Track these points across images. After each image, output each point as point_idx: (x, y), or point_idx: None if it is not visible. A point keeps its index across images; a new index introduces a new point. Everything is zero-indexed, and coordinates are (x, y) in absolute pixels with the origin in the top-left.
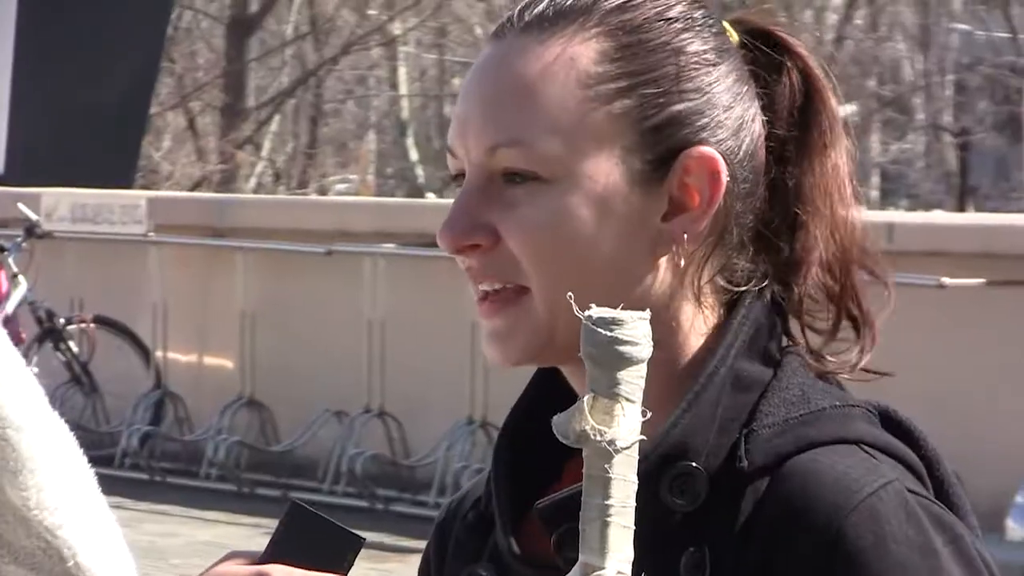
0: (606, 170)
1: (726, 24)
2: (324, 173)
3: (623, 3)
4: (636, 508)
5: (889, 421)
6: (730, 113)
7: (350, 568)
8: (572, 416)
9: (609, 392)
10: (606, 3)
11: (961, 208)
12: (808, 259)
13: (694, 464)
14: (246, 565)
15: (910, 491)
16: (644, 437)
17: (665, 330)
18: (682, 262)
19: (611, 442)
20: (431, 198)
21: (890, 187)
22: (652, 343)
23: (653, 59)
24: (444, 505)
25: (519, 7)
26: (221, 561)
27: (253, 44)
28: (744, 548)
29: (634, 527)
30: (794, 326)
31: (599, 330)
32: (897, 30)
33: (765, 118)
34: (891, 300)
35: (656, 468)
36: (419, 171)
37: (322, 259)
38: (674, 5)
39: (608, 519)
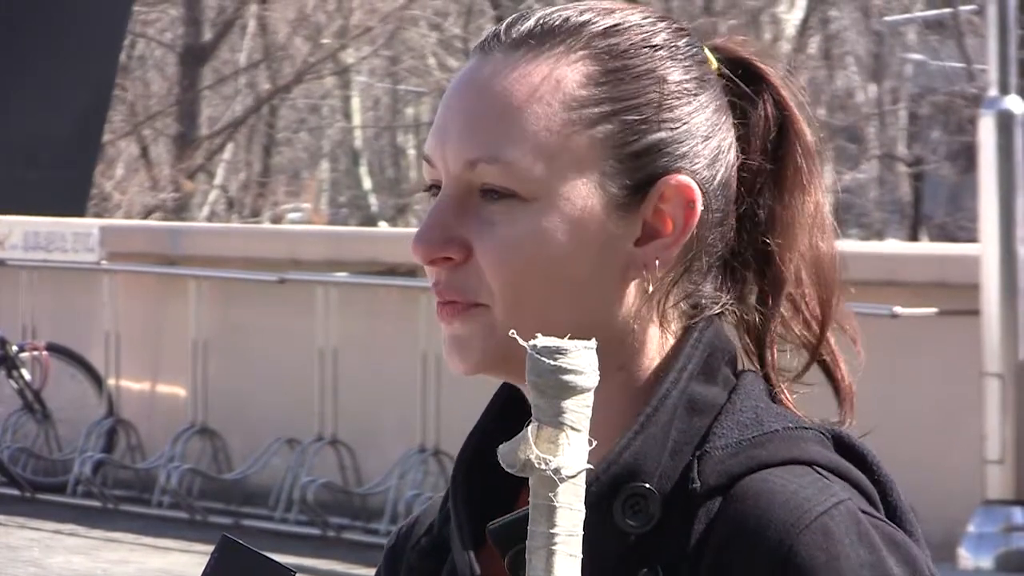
0: (584, 193)
1: (708, 52)
2: (276, 202)
3: (610, 27)
4: (589, 530)
5: (842, 445)
6: (708, 143)
7: None
8: (517, 445)
9: (554, 421)
10: (593, 26)
11: (914, 237)
12: (778, 291)
13: (647, 485)
14: None
15: (863, 511)
16: (591, 466)
17: (630, 353)
18: (650, 287)
19: (556, 471)
20: (384, 227)
21: (843, 216)
22: (598, 372)
23: (637, 86)
24: (394, 531)
25: (506, 23)
26: None
27: (206, 73)
28: (697, 568)
29: (581, 555)
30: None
31: (543, 359)
32: (850, 59)
33: (739, 148)
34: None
35: (608, 489)
36: (372, 200)
37: (274, 287)
38: (659, 32)
39: (554, 547)
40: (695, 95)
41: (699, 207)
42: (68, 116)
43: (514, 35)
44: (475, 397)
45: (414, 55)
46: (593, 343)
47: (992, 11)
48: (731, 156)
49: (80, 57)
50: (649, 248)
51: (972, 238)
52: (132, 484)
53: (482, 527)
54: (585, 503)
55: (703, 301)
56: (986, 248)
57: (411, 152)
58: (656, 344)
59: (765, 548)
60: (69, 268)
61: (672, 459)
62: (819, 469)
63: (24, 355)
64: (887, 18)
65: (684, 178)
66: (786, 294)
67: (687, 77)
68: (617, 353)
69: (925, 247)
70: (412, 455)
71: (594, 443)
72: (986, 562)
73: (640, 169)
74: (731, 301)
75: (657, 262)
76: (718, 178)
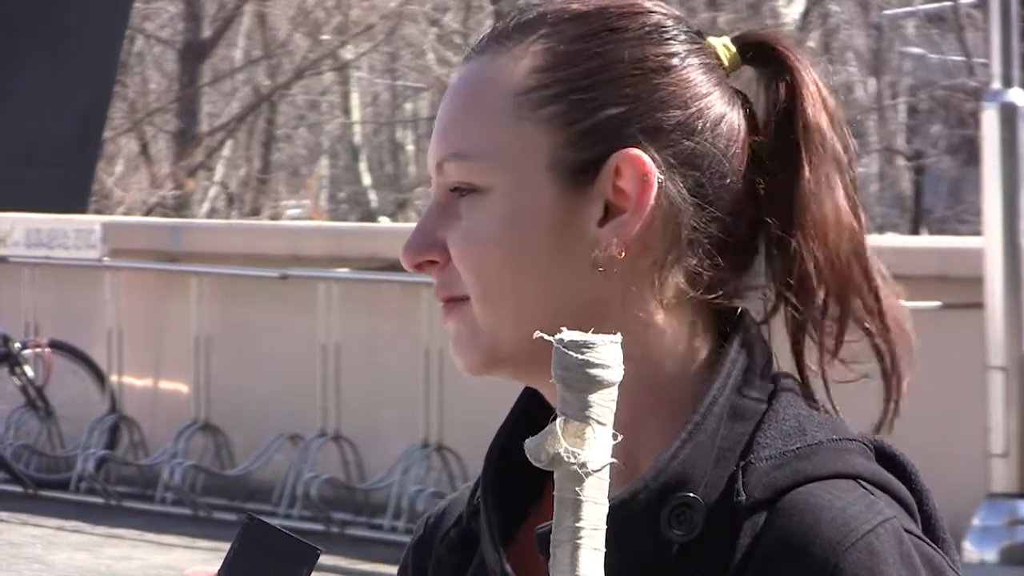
0: (537, 178)
1: (722, 44)
2: (277, 198)
3: (572, 16)
4: (634, 536)
5: (883, 455)
6: (681, 114)
7: None
8: (544, 439)
9: (580, 415)
10: (556, 17)
11: (915, 231)
12: (808, 284)
13: (693, 495)
14: None
15: (906, 530)
16: (615, 460)
17: (629, 341)
18: (617, 269)
19: (582, 465)
20: (384, 222)
21: None
22: (623, 366)
23: (587, 67)
24: (420, 522)
25: (486, 32)
26: None
27: (205, 69)
28: None
29: (604, 549)
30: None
31: (570, 353)
32: (850, 53)
33: (748, 126)
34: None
35: (657, 497)
36: (372, 196)
37: (276, 283)
38: (633, 15)
39: (579, 541)
40: (667, 70)
41: (654, 179)
42: (69, 114)
43: (484, 41)
44: (477, 392)
45: (413, 51)
46: (619, 337)
47: (995, 3)
48: (723, 129)
49: (80, 55)
50: (608, 227)
51: (973, 232)
52: (135, 481)
53: (510, 524)
54: (633, 511)
55: (703, 283)
56: (990, 241)
57: (410, 148)
58: (662, 334)
59: (811, 565)
60: (71, 265)
61: (716, 468)
62: (864, 484)
63: (27, 352)
64: (886, 12)
65: (636, 151)
66: (811, 285)
67: (657, 52)
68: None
69: (928, 240)
70: (415, 450)
71: (619, 437)
72: (991, 555)
73: (589, 147)
74: (748, 287)
75: (616, 240)
76: (700, 149)
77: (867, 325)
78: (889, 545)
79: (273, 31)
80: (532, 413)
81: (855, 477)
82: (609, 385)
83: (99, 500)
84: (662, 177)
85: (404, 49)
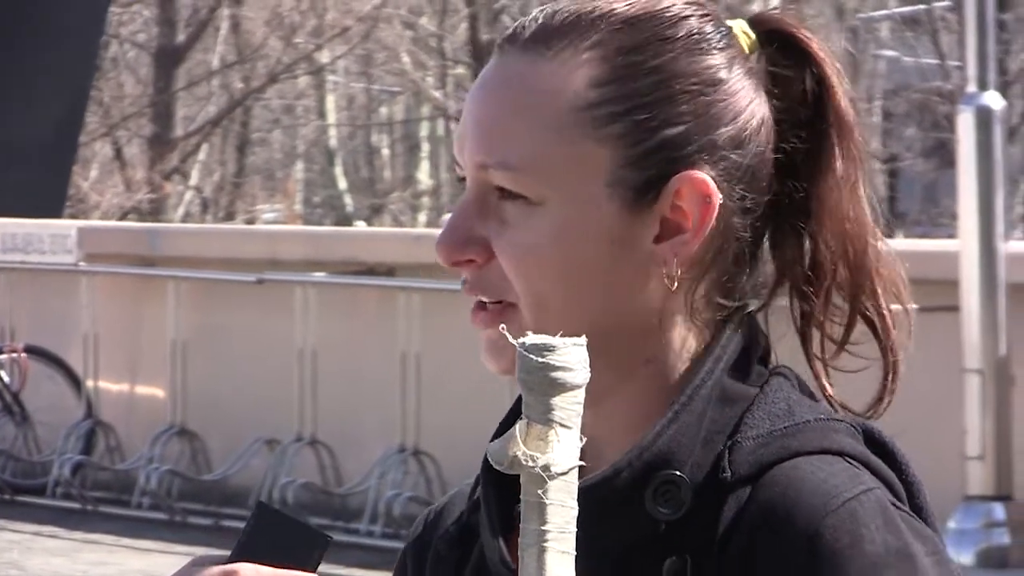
0: (595, 195)
1: (740, 30)
2: (252, 202)
3: (623, 23)
4: (620, 515)
5: (872, 440)
6: (731, 128)
7: (318, 566)
8: (506, 442)
9: (543, 418)
10: (605, 22)
11: (889, 234)
12: (822, 271)
13: (678, 473)
14: (214, 566)
15: (891, 502)
16: (583, 463)
17: (658, 347)
18: (675, 284)
19: (545, 467)
20: (360, 226)
21: None
22: (588, 368)
23: (646, 82)
24: (418, 520)
25: (522, 21)
26: (188, 566)
27: (180, 74)
28: (724, 554)
29: (575, 551)
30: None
31: (531, 356)
32: None
33: (776, 127)
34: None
35: (640, 476)
36: (347, 199)
37: (253, 288)
38: (679, 21)
39: (545, 544)
40: (715, 84)
41: (716, 201)
42: (44, 119)
43: (527, 35)
44: (454, 397)
45: (389, 54)
46: (583, 340)
47: (970, 6)
48: (762, 135)
49: (56, 60)
50: (668, 245)
51: (948, 235)
52: (111, 486)
53: (511, 516)
54: (616, 489)
55: (737, 291)
56: (965, 244)
57: (385, 152)
58: (687, 337)
59: (792, 531)
60: (47, 270)
61: (704, 448)
62: (849, 459)
63: (2, 357)
64: (861, 14)
65: (699, 174)
66: (825, 274)
67: (706, 66)
68: (644, 347)
69: (903, 243)
70: (392, 455)
71: (584, 440)
72: (967, 558)
73: (652, 167)
74: (764, 288)
75: (676, 259)
76: (746, 163)
77: (870, 316)
78: (872, 511)
79: (248, 35)
80: None
81: (840, 453)
82: (573, 388)
83: (75, 505)
84: (721, 197)
85: (380, 52)
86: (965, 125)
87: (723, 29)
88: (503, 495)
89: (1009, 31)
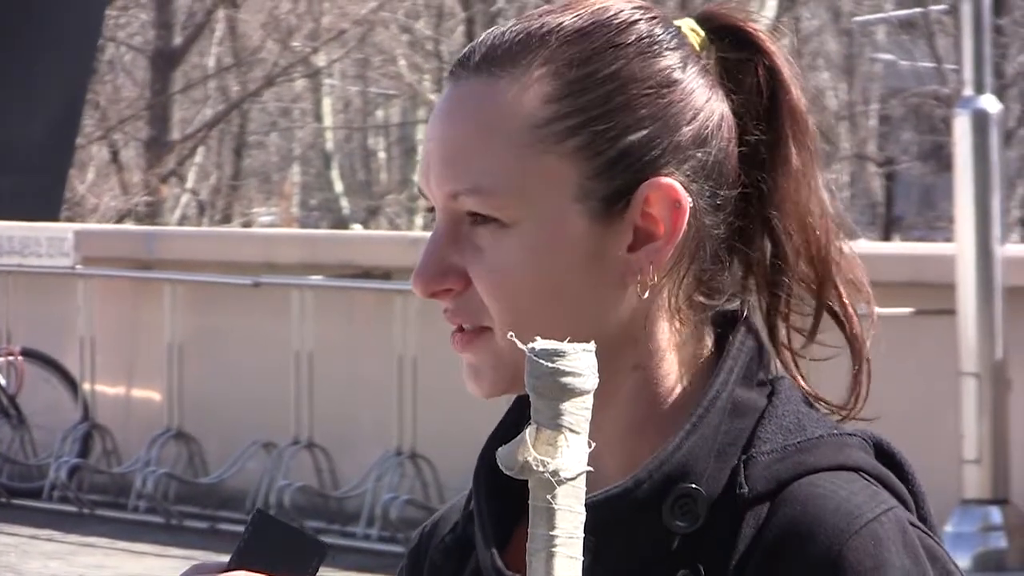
0: (564, 210)
1: (689, 28)
2: (248, 205)
3: (572, 35)
4: (637, 527)
5: (882, 452)
6: (692, 127)
7: (315, 574)
8: (515, 447)
9: (552, 423)
10: (554, 37)
11: (886, 238)
12: (785, 263)
13: (695, 486)
14: (213, 574)
15: (909, 522)
16: (591, 468)
17: (645, 353)
18: (648, 291)
19: (554, 473)
20: (357, 229)
21: None
22: (601, 373)
23: (601, 92)
24: (416, 531)
25: (472, 45)
26: (188, 573)
27: (177, 77)
28: (742, 571)
29: (582, 557)
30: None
31: (541, 361)
32: (821, 59)
33: (738, 121)
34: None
35: (660, 488)
36: (343, 202)
37: (249, 291)
38: (628, 27)
39: (554, 549)
40: (670, 85)
41: (686, 204)
42: (41, 121)
43: (477, 58)
44: (451, 400)
45: (385, 57)
46: (592, 345)
47: (967, 9)
48: (724, 131)
49: (53, 63)
50: (641, 253)
51: (945, 238)
52: (108, 489)
53: (503, 526)
54: (637, 501)
55: (717, 289)
56: (962, 248)
57: (382, 154)
58: (673, 340)
59: (815, 552)
60: (43, 273)
61: (718, 462)
62: (866, 476)
63: None
64: (858, 18)
65: (666, 179)
66: (788, 265)
67: (661, 67)
68: (630, 355)
69: (900, 247)
70: (388, 458)
71: (593, 445)
72: (964, 561)
73: (618, 177)
74: (750, 285)
75: (651, 266)
76: (711, 159)
77: (834, 308)
78: (893, 533)
79: (244, 38)
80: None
81: (856, 469)
82: (582, 393)
83: (72, 508)
84: (691, 200)
85: (376, 56)
86: (962, 129)
87: (672, 30)
88: (494, 506)
89: (1006, 34)
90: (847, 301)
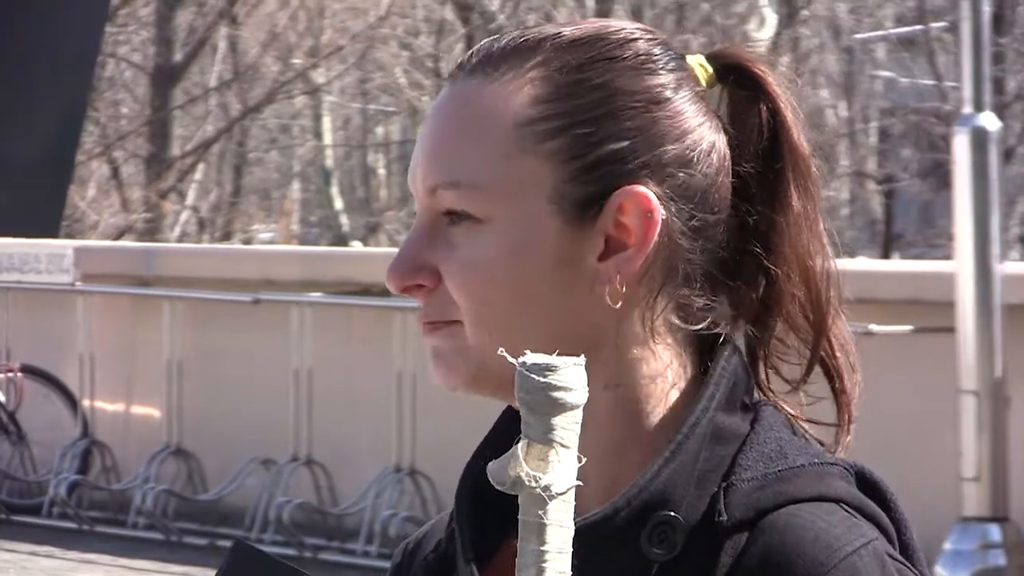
0: (538, 210)
1: (698, 63)
2: (248, 222)
3: (569, 43)
4: (615, 556)
5: (864, 481)
6: (677, 147)
7: None
8: (507, 462)
9: (544, 438)
10: (551, 43)
11: (886, 255)
12: (777, 304)
13: (673, 514)
14: None
15: (888, 554)
16: (580, 483)
17: (621, 373)
18: (620, 302)
19: (546, 488)
20: (356, 246)
21: None
22: (587, 389)
23: (589, 99)
24: (399, 548)
25: (472, 50)
26: None
27: (177, 93)
28: None
29: (570, 572)
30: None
31: (533, 376)
32: (821, 77)
33: (733, 153)
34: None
35: (637, 516)
36: (343, 219)
37: (249, 308)
38: (627, 43)
39: (544, 565)
40: (662, 102)
41: (659, 216)
42: (41, 138)
43: (474, 61)
44: (450, 417)
45: (385, 74)
46: (582, 360)
47: (966, 28)
48: (714, 159)
49: (53, 79)
50: (611, 262)
51: (944, 255)
52: (107, 505)
53: (486, 542)
54: (616, 528)
55: (693, 313)
56: (961, 265)
57: (381, 171)
58: (651, 361)
59: None
60: (43, 289)
61: (697, 489)
62: (846, 507)
63: None
64: (857, 35)
65: (641, 188)
66: (780, 307)
67: (653, 84)
68: (603, 372)
69: (900, 264)
70: (387, 475)
71: (583, 460)
72: None
73: (593, 182)
74: (733, 314)
75: (619, 276)
76: (695, 183)
77: (828, 363)
78: (872, 567)
79: (244, 55)
80: (513, 432)
81: (837, 500)
82: (573, 408)
83: (71, 525)
84: (664, 213)
85: (376, 72)
86: (961, 146)
87: (672, 54)
88: (477, 521)
89: (1006, 52)
90: (839, 355)
